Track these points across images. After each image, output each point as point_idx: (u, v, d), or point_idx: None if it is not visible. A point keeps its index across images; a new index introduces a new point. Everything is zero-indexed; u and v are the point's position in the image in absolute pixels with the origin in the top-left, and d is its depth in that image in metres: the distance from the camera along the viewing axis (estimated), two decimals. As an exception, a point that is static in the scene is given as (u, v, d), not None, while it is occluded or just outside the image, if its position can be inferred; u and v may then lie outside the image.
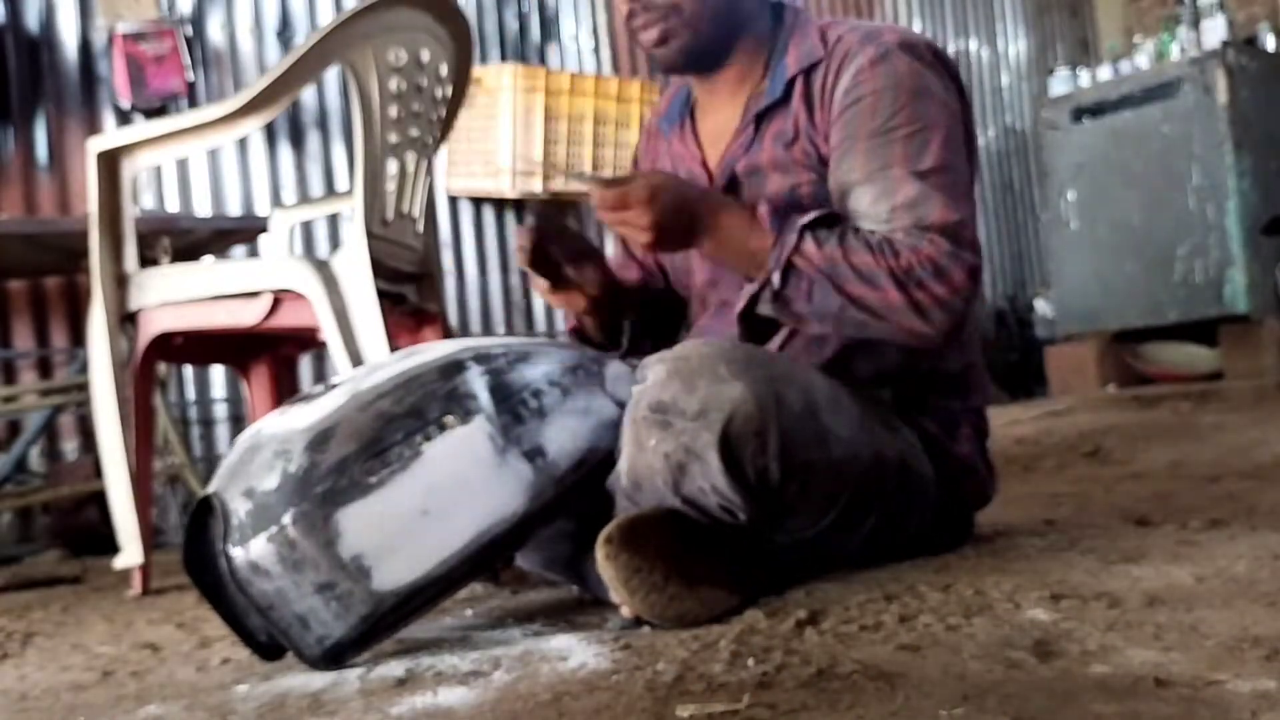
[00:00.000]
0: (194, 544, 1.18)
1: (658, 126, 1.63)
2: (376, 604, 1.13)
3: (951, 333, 1.29)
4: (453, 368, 1.23)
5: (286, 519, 1.12)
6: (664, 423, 1.16)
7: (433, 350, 1.28)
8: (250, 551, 1.13)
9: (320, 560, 1.12)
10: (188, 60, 3.69)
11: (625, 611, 1.15)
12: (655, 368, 1.20)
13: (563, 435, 1.23)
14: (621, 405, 1.27)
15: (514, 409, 1.21)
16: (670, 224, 1.30)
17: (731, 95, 1.49)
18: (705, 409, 1.14)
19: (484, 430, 1.19)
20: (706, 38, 1.43)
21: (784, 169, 1.41)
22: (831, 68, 1.39)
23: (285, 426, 1.18)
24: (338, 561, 1.12)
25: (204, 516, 1.18)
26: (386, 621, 1.15)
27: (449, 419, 1.18)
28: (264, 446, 1.17)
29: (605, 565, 1.12)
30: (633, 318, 1.58)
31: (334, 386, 1.24)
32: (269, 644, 1.19)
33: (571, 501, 1.26)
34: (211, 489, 1.18)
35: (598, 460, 1.25)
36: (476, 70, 4.06)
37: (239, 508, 1.14)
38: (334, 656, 1.14)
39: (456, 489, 1.17)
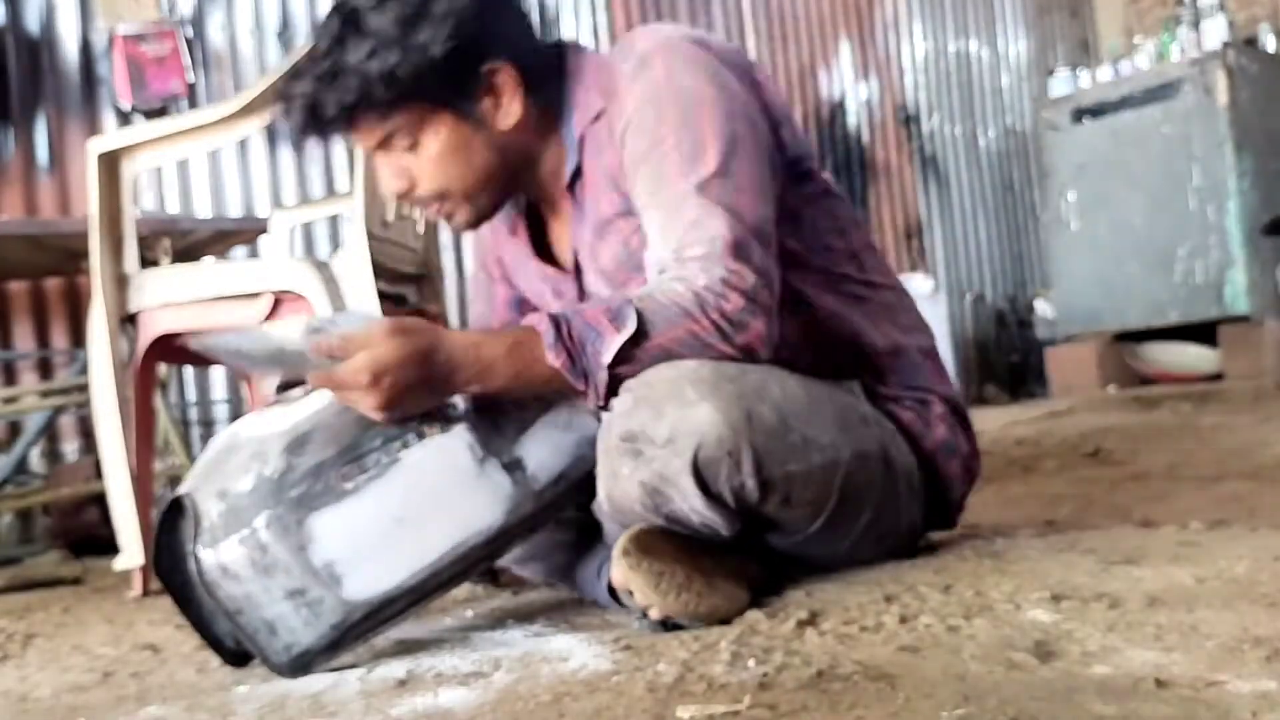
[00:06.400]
0: (164, 545, 1.16)
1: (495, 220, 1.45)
2: (347, 613, 1.11)
3: (765, 333, 1.20)
4: None
5: (259, 522, 1.10)
6: (635, 451, 1.13)
7: None
8: (220, 554, 1.10)
9: (292, 565, 1.10)
10: (188, 61, 3.69)
11: (654, 614, 1.14)
12: (622, 396, 1.16)
13: (543, 449, 1.21)
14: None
15: (495, 420, 1.19)
16: (404, 398, 1.12)
17: (554, 188, 1.39)
18: (674, 436, 1.11)
19: (464, 440, 1.17)
20: (488, 195, 1.35)
21: (606, 230, 1.34)
22: (614, 107, 1.31)
23: (263, 429, 1.16)
24: (309, 567, 1.10)
25: (175, 517, 1.15)
26: (356, 631, 1.13)
27: (429, 427, 1.16)
28: (240, 448, 1.15)
29: (632, 574, 1.12)
30: None
31: (314, 390, 1.22)
32: (236, 650, 1.17)
33: (550, 517, 1.24)
34: (184, 489, 1.16)
35: (579, 475, 1.23)
36: (477, 71, 4.05)
37: (211, 509, 1.12)
38: (301, 665, 1.12)
39: (433, 499, 1.15)
